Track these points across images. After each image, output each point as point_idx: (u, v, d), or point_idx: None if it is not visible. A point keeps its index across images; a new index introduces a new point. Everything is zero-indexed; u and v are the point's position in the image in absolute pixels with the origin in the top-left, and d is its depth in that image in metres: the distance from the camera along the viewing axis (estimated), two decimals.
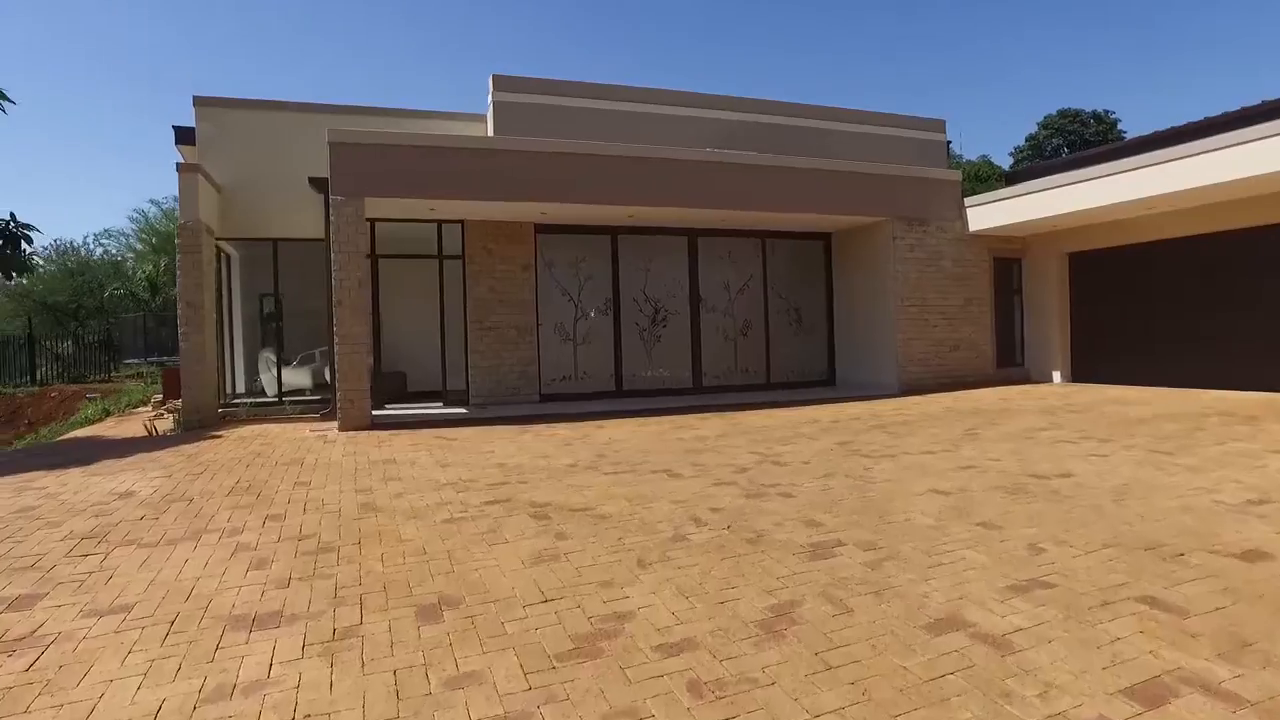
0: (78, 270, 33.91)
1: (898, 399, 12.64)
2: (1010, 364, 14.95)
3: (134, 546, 4.93)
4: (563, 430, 9.80)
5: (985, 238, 14.43)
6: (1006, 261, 14.96)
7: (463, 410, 11.91)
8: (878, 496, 5.72)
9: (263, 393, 14.46)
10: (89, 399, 20.19)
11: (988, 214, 13.93)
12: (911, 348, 13.78)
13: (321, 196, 11.23)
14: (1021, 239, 14.85)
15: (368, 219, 11.81)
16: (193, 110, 13.03)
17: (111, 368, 26.19)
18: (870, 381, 14.18)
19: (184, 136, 13.42)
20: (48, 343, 26.93)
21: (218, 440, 9.76)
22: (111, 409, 17.40)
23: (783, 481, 6.32)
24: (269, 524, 5.39)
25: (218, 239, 12.98)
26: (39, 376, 24.43)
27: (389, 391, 13.04)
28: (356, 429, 10.14)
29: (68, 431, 15.89)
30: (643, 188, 11.81)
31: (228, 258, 14.62)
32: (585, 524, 5.17)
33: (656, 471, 6.91)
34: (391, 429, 10.24)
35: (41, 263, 33.02)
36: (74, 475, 7.55)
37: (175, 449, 9.10)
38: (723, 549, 4.52)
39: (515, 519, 5.36)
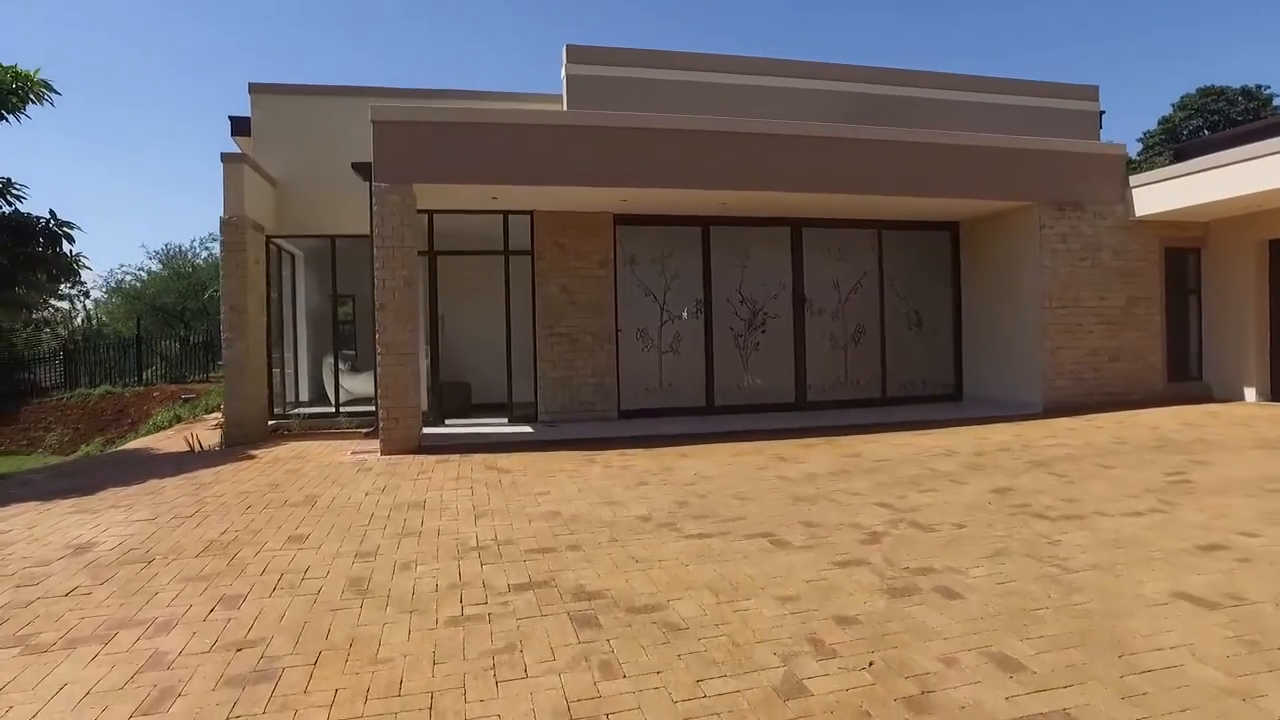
0: (185, 273, 34.73)
1: (1045, 421, 10.37)
2: (1185, 378, 12.33)
3: (16, 650, 3.52)
4: (640, 460, 8.12)
5: (1154, 224, 11.88)
6: (1180, 253, 12.34)
7: (528, 429, 10.40)
8: (1093, 604, 3.75)
9: (329, 401, 13.42)
10: (183, 400, 20.02)
11: (1160, 195, 11.40)
12: (1060, 358, 11.43)
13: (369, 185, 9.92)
14: (1201, 224, 12.20)
15: (422, 210, 10.47)
16: (248, 99, 12.05)
17: (211, 367, 26.43)
18: (1006, 398, 11.89)
19: (240, 127, 12.48)
20: (155, 344, 27.67)
21: (247, 463, 8.56)
22: (184, 415, 16.92)
23: (935, 564, 4.42)
24: (215, 614, 3.91)
25: (274, 237, 11.94)
26: (145, 377, 24.90)
27: (451, 405, 11.69)
28: (401, 452, 8.75)
29: (137, 439, 15.43)
30: (741, 169, 9.99)
31: (292, 257, 13.65)
32: (647, 641, 3.45)
33: (754, 536, 5.11)
34: (441, 452, 8.80)
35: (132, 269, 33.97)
36: (57, 510, 6.39)
37: (193, 475, 7.91)
38: None
39: (547, 623, 3.69)
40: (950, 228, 12.96)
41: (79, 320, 34.83)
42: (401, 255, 8.81)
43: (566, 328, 10.96)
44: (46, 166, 67.41)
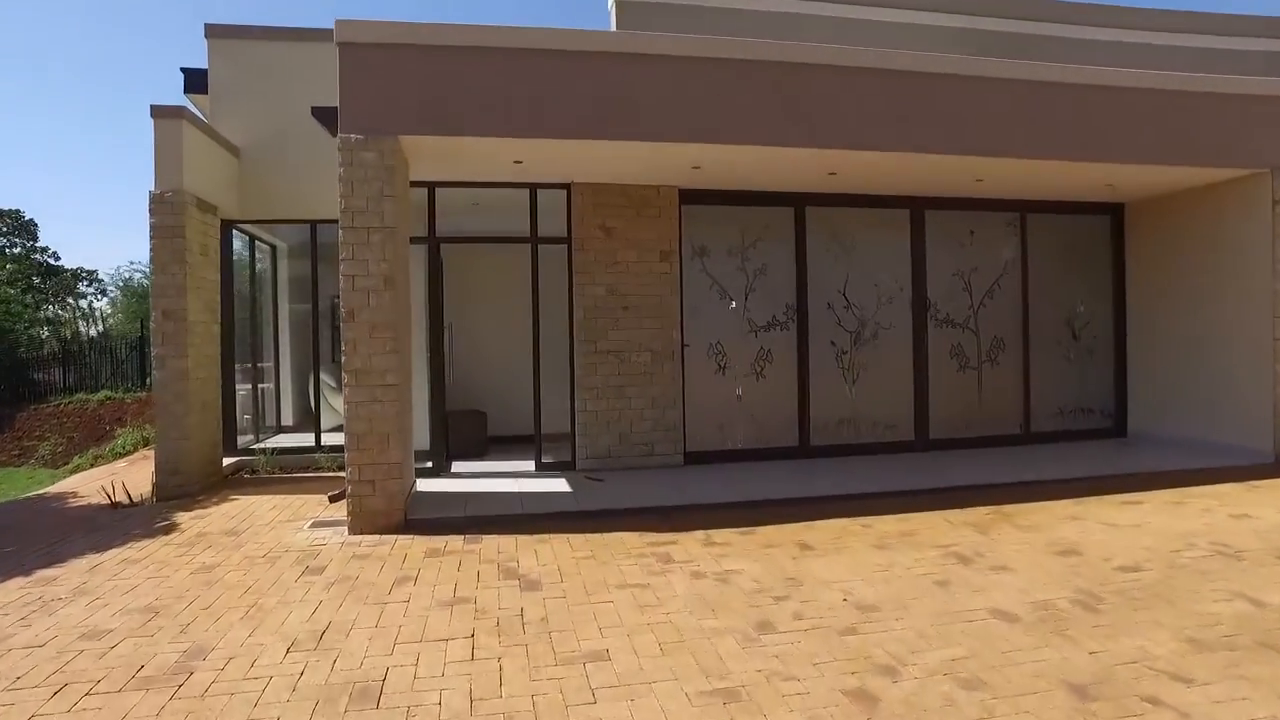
0: None
1: None
2: None
3: None
4: (740, 558, 5.21)
5: None
6: None
7: (563, 484, 7.54)
8: None
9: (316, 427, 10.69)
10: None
11: None
12: None
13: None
14: None
15: (419, 182, 7.68)
16: (204, 45, 9.32)
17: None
18: (1199, 439, 8.80)
19: (194, 82, 9.77)
20: None
21: (153, 547, 5.78)
22: (151, 438, 14.35)
23: None
24: None
25: (236, 222, 9.22)
26: (148, 381, 22.64)
27: (461, 441, 8.89)
28: (378, 531, 5.93)
29: (100, 462, 12.91)
30: (859, 120, 7.04)
31: (272, 250, 10.96)
32: None
33: None
34: (436, 531, 5.96)
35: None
36: None
37: (49, 575, 5.14)
38: None
39: None
40: (1112, 211, 9.88)
41: (89, 326, 32.72)
42: (381, 240, 5.99)
43: (616, 342, 8.09)
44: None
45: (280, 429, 11.02)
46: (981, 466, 8.03)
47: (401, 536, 5.84)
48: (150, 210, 7.63)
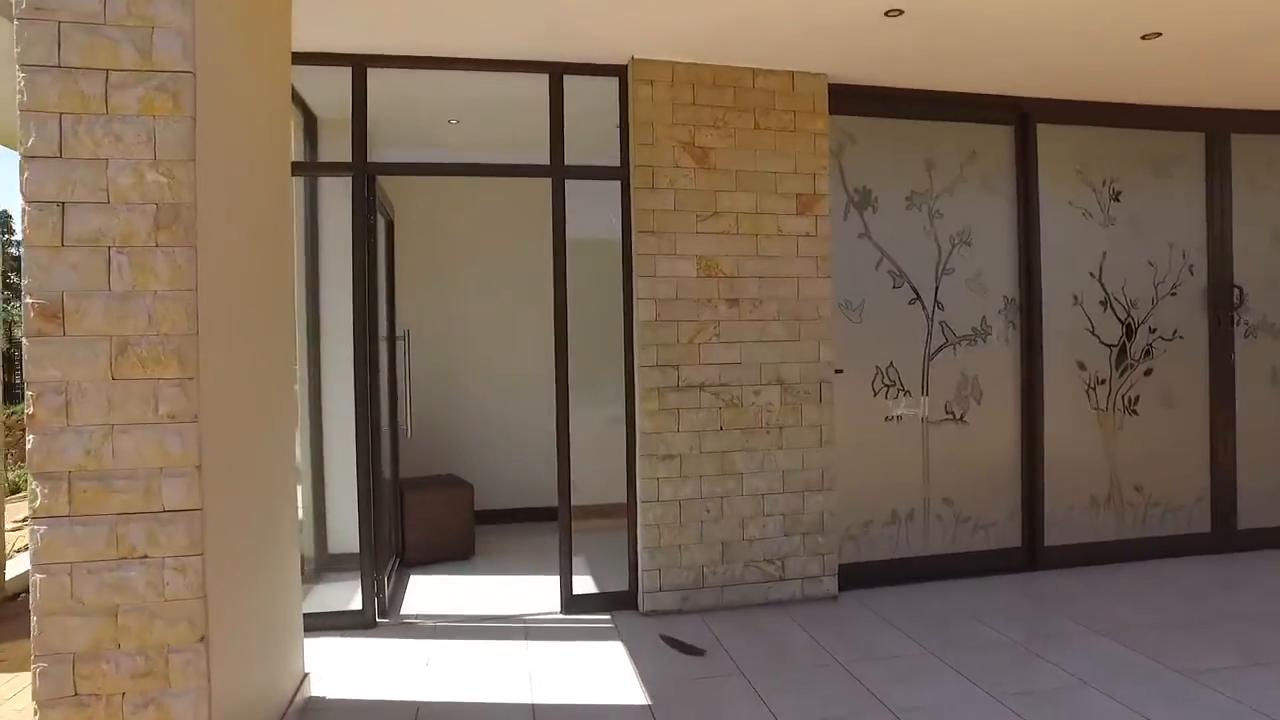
0: None
1: None
2: None
3: None
4: None
5: None
6: None
7: (618, 663, 3.69)
8: None
9: None
10: None
11: None
12: None
13: None
14: None
15: (328, 57, 3.86)
16: None
17: None
18: None
19: None
20: None
21: None
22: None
23: None
24: None
25: None
26: None
27: (427, 535, 5.08)
28: None
29: None
30: None
31: None
32: None
33: None
34: None
35: None
36: None
37: None
38: None
39: None
40: None
41: None
42: (157, 97, 2.13)
43: (715, 367, 4.24)
44: None
45: None
46: None
47: None
48: None
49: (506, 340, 6.23)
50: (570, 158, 4.25)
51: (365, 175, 4.07)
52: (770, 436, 4.31)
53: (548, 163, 4.23)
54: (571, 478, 4.31)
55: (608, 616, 4.20)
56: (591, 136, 4.37)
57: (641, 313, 4.16)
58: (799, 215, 4.37)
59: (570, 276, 4.26)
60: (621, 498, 4.43)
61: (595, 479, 4.86)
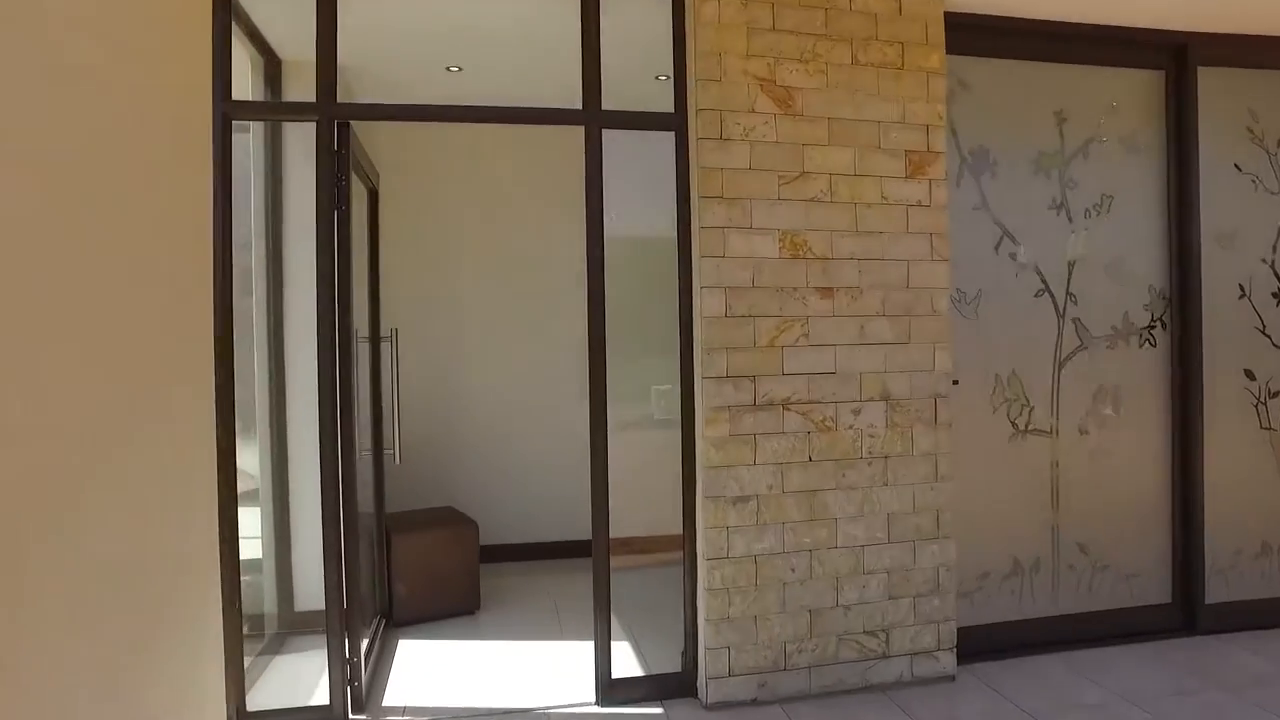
0: None
1: None
2: None
3: None
4: None
5: None
6: None
7: None
8: None
9: None
10: None
11: None
12: None
13: None
14: None
15: None
16: None
17: None
18: None
19: None
20: None
21: None
22: None
23: None
24: None
25: None
26: None
27: (420, 587, 4.04)
28: None
29: None
30: None
31: None
32: None
33: None
34: None
35: None
36: None
37: None
38: None
39: None
40: None
41: None
42: None
43: (801, 379, 3.20)
44: None
45: None
46: None
47: None
48: None
49: (518, 341, 5.18)
50: (609, 101, 3.20)
51: (331, 120, 3.03)
52: (873, 470, 3.27)
53: (580, 106, 3.19)
54: (609, 519, 3.27)
55: (659, 710, 3.16)
56: (635, 75, 3.34)
57: (707, 306, 3.11)
58: (909, 179, 3.33)
59: (610, 258, 3.21)
60: (665, 527, 3.43)
61: (628, 504, 3.84)
